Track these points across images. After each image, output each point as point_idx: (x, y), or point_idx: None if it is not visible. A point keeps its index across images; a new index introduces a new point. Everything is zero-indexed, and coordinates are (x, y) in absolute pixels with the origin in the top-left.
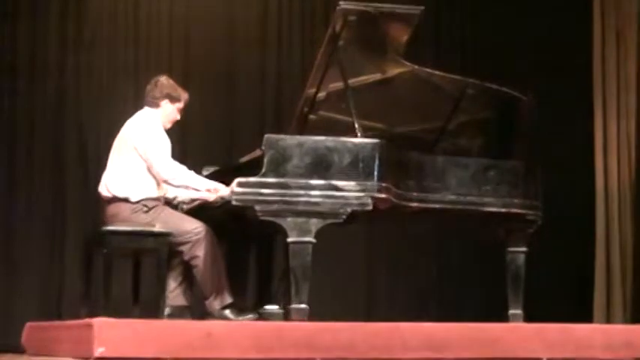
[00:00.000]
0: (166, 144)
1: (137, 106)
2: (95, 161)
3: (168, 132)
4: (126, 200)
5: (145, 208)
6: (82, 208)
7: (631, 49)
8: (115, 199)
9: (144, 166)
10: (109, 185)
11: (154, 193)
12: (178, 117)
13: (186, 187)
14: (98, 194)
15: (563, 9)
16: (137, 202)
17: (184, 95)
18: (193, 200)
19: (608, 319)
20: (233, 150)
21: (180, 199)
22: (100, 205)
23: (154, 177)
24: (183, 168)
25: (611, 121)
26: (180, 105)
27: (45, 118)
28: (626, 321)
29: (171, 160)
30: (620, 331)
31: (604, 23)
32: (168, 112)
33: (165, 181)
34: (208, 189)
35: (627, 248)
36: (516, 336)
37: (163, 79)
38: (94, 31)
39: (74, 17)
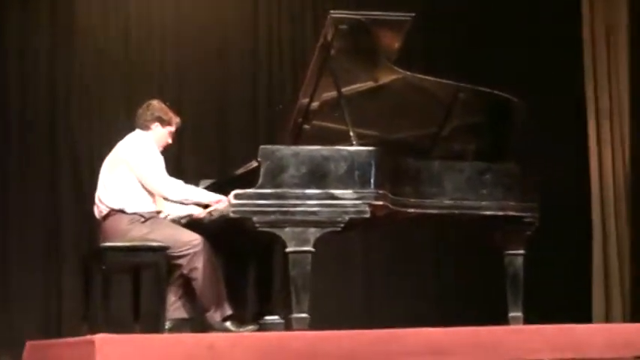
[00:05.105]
0: (160, 161)
1: (130, 121)
2: (89, 180)
3: (163, 150)
4: (122, 211)
5: (142, 219)
6: (78, 226)
7: (622, 47)
8: (110, 213)
9: (137, 180)
10: (103, 199)
11: (150, 207)
12: (170, 141)
13: (187, 201)
14: (93, 214)
15: (552, 8)
16: (133, 213)
17: (176, 119)
18: (187, 215)
19: (607, 318)
20: (226, 163)
21: (172, 216)
22: (96, 223)
23: (149, 192)
24: (180, 182)
25: (604, 121)
26: (172, 128)
27: (38, 139)
28: (624, 318)
29: (167, 175)
30: (620, 330)
31: (593, 21)
32: (159, 135)
33: (164, 197)
34: (211, 200)
35: (624, 244)
36: (517, 338)
37: (155, 103)
38: (86, 45)
39: (63, 29)
